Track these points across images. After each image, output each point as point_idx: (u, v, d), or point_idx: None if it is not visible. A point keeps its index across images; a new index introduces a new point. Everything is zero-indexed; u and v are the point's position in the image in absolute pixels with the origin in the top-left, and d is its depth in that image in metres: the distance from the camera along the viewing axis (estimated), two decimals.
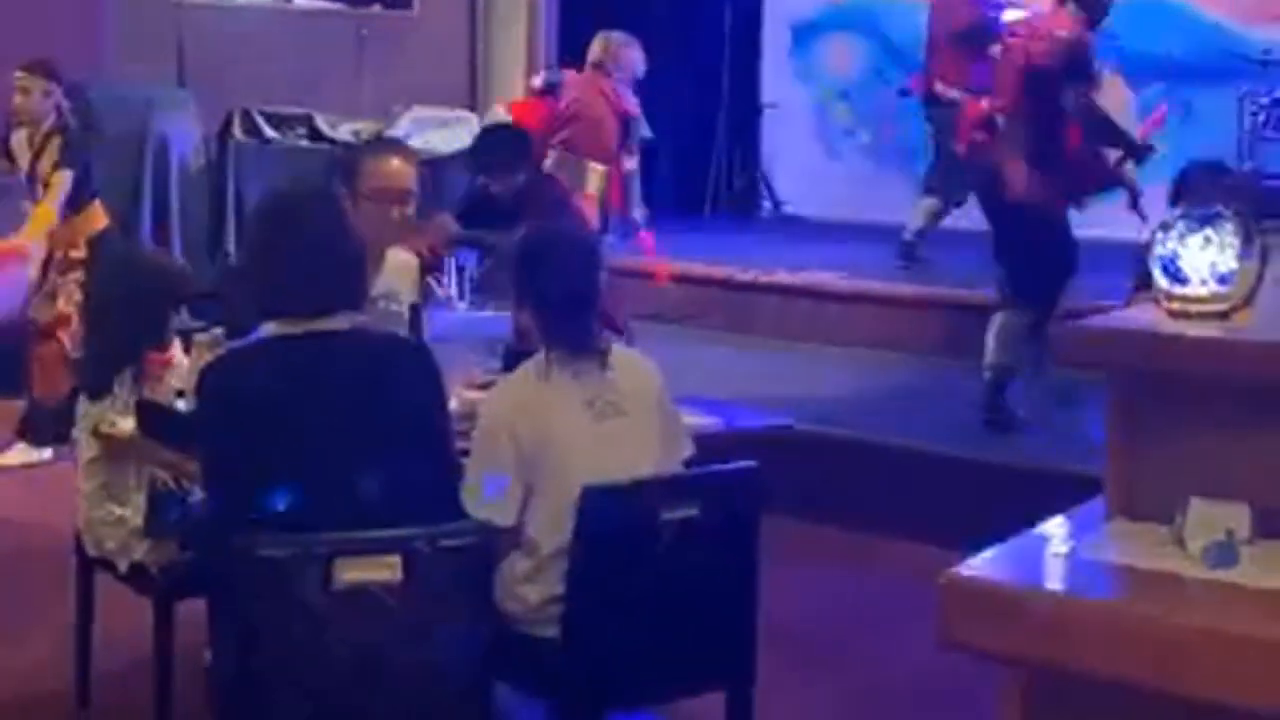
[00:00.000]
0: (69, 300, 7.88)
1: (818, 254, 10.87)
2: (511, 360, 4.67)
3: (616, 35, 9.47)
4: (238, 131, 11.06)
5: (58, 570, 5.44)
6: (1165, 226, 3.33)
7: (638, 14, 10.15)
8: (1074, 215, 7.87)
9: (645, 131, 9.80)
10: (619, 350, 4.29)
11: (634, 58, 9.44)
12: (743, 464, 4.27)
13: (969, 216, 8.38)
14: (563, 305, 4.18)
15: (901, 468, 7.11)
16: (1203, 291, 3.27)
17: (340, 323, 3.87)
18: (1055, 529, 3.25)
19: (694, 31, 12.22)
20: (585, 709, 4.05)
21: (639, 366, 4.32)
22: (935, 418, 7.73)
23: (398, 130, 11.25)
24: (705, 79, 12.58)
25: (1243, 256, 3.28)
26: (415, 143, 10.85)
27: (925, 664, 4.13)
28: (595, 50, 9.39)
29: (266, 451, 3.71)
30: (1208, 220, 3.30)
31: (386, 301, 5.28)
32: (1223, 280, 3.27)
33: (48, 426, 7.89)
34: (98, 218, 8.18)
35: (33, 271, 8.07)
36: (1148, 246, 3.34)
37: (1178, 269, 3.29)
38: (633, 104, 9.40)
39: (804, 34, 13.66)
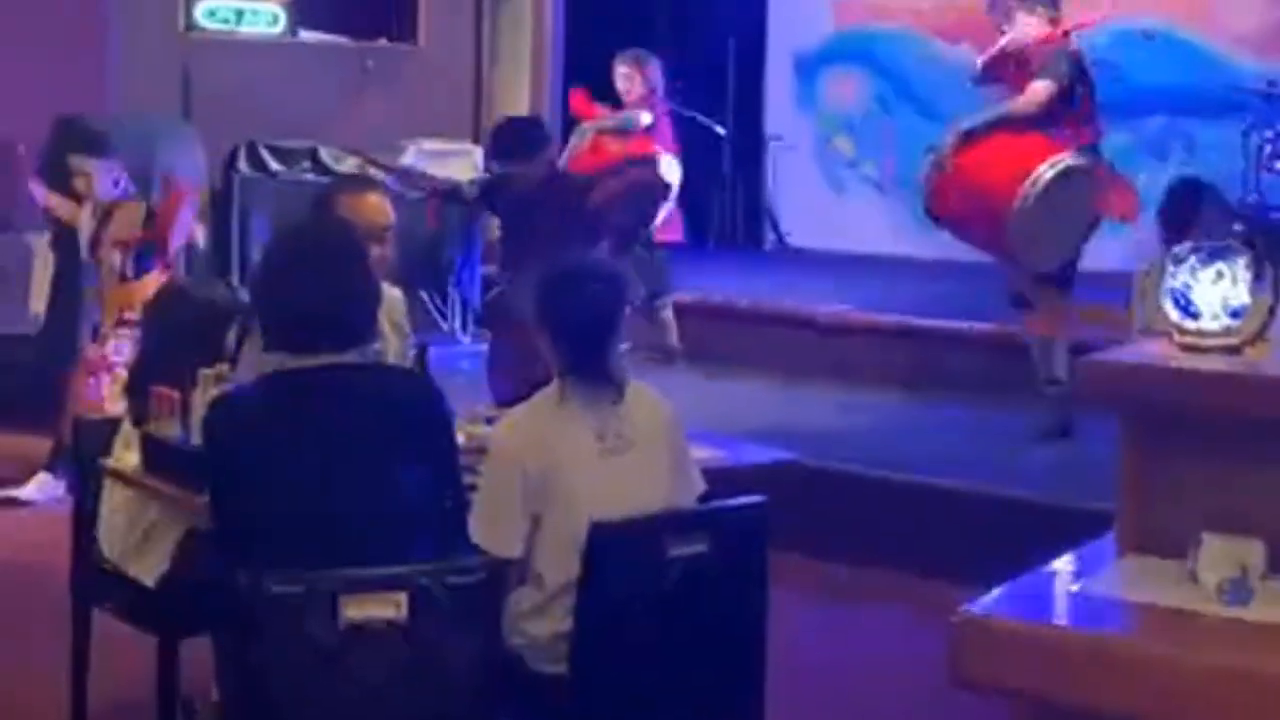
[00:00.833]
0: (116, 350, 8.03)
1: (822, 287, 10.85)
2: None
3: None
4: (243, 164, 11.06)
5: (56, 609, 5.40)
6: (1177, 259, 3.31)
7: (642, 46, 10.14)
8: None
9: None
10: (634, 384, 4.26)
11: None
12: (750, 499, 4.25)
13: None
14: (583, 335, 4.16)
15: (908, 502, 7.08)
16: (1215, 326, 3.26)
17: (350, 357, 3.85)
18: (1066, 565, 3.23)
19: (698, 63, 12.21)
20: None
21: (652, 401, 4.29)
22: (942, 452, 7.70)
23: (403, 162, 11.25)
24: (709, 111, 12.56)
25: (1255, 290, 3.26)
26: None
27: (934, 701, 4.09)
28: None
29: (273, 488, 3.69)
30: (1219, 254, 3.28)
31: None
32: (1235, 315, 3.26)
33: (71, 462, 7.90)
34: (154, 284, 8.31)
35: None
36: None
37: (1190, 303, 3.28)
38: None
39: (807, 66, 13.66)
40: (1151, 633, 2.92)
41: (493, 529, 4.01)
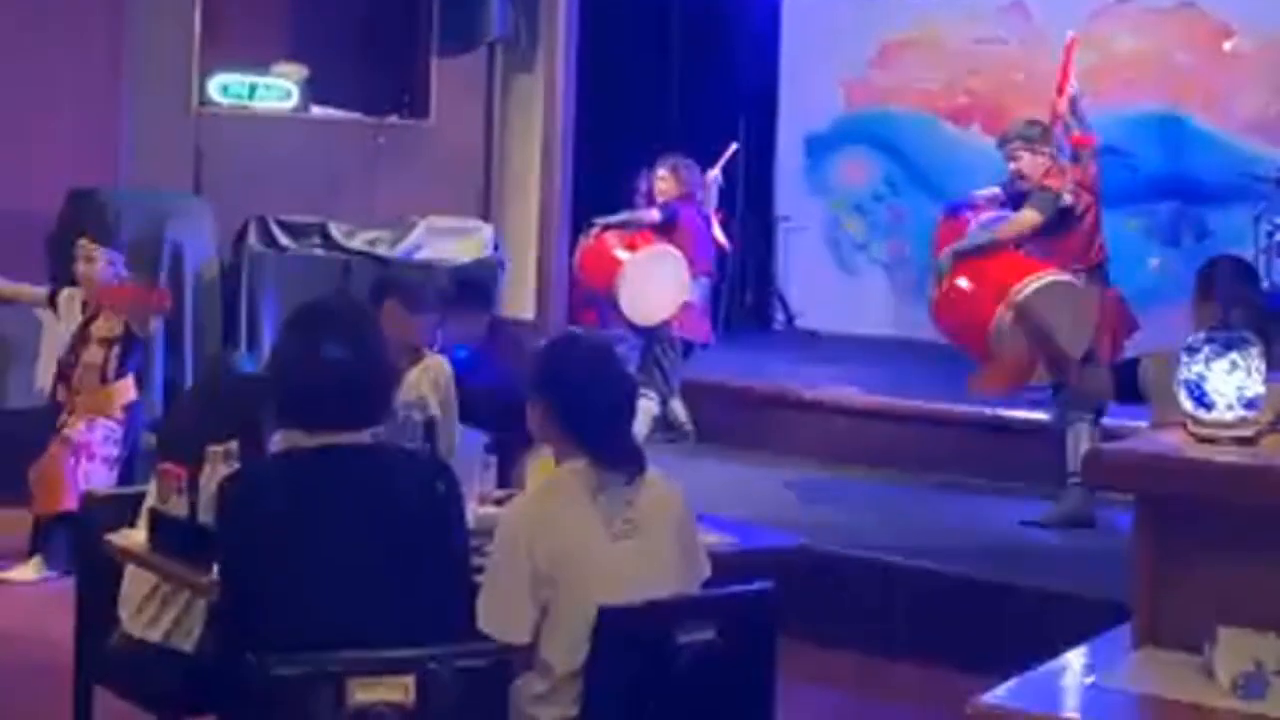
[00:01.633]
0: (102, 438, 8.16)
1: (831, 369, 10.85)
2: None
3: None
4: (253, 239, 11.06)
5: (56, 690, 5.36)
6: (1191, 350, 3.30)
7: (654, 126, 10.20)
8: None
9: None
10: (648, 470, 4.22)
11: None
12: (759, 585, 4.22)
13: None
14: (599, 416, 4.11)
15: (918, 589, 7.04)
16: (1229, 416, 3.25)
17: (361, 437, 3.84)
18: (1080, 657, 3.21)
19: (710, 145, 12.24)
20: None
21: (662, 486, 4.23)
22: (952, 538, 7.67)
23: (412, 239, 11.29)
24: (720, 192, 12.59)
25: (1270, 381, 3.26)
26: (429, 252, 10.93)
27: None
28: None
29: (281, 570, 3.67)
30: (1233, 344, 3.27)
31: (409, 410, 5.25)
32: (1249, 405, 3.25)
33: (61, 545, 7.87)
34: (128, 390, 8.40)
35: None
36: None
37: (1204, 393, 3.27)
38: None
39: (817, 147, 13.70)
40: None
41: (501, 616, 3.96)
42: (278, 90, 11.73)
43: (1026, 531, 7.69)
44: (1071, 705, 3.03)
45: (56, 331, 8.66)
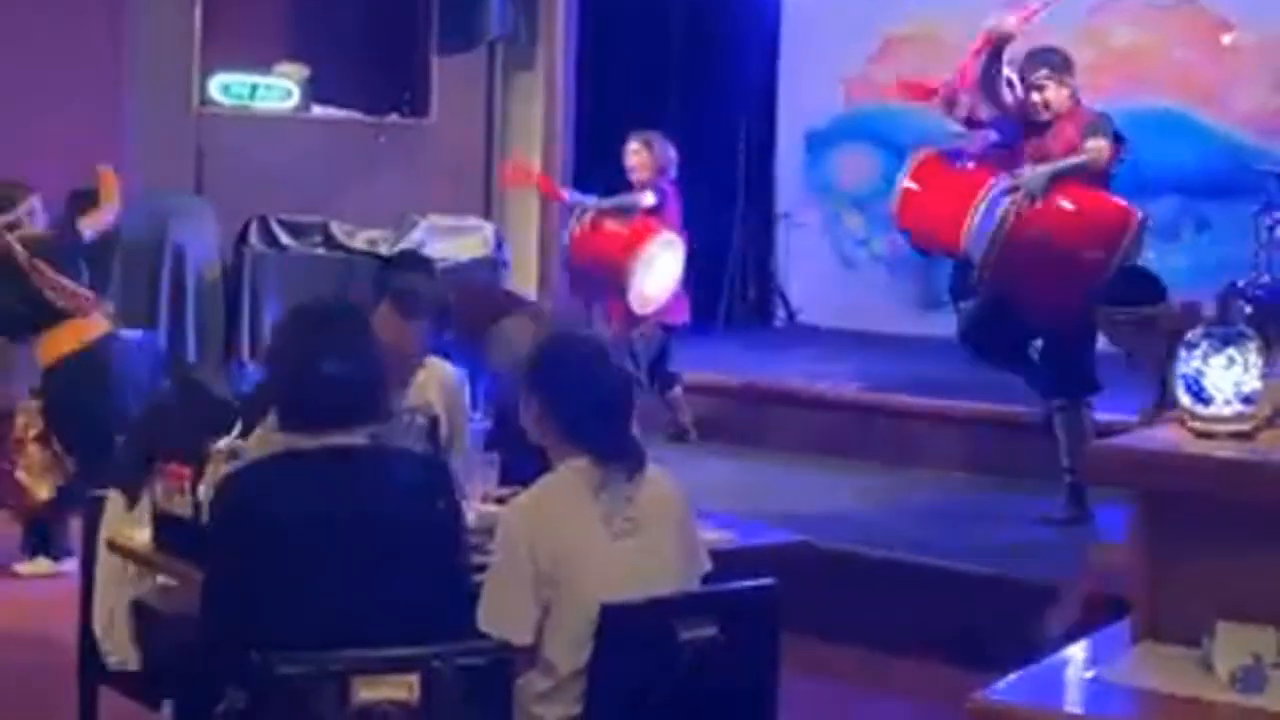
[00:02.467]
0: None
1: (832, 365, 10.85)
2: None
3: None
4: (254, 239, 11.10)
5: (60, 686, 5.37)
6: (1189, 345, 3.31)
7: (654, 124, 10.17)
8: None
9: None
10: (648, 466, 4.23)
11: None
12: (760, 582, 4.23)
13: None
14: (601, 413, 4.11)
15: (920, 585, 7.04)
16: (1226, 412, 3.26)
17: (358, 438, 3.85)
18: (1081, 651, 3.22)
19: (710, 141, 12.24)
20: None
21: (663, 483, 4.23)
22: (953, 534, 7.67)
23: (413, 238, 11.30)
24: (720, 189, 12.59)
25: (1267, 376, 3.27)
26: (430, 251, 10.93)
27: None
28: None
29: (280, 569, 3.69)
30: (1231, 340, 3.29)
31: (413, 415, 5.24)
32: (1247, 400, 3.26)
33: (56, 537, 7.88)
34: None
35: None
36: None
37: (1201, 388, 3.28)
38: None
39: (817, 143, 13.70)
40: None
41: (503, 616, 3.96)
42: (279, 90, 11.76)
43: (1029, 526, 7.68)
44: (1072, 700, 3.04)
45: None
